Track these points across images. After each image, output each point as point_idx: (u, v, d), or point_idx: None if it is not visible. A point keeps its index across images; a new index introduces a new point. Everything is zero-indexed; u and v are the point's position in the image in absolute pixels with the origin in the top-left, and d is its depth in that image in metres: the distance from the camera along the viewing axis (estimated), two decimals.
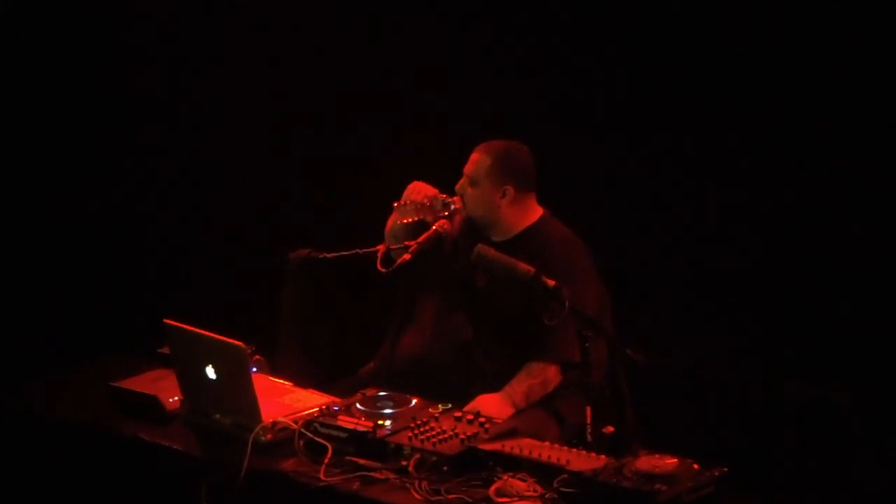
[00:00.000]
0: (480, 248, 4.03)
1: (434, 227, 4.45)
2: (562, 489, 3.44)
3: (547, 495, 3.45)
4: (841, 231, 4.93)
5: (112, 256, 5.88)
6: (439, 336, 4.57)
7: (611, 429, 3.72)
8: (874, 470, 4.82)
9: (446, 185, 4.49)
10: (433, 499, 3.48)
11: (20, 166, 5.76)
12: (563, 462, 3.53)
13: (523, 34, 5.38)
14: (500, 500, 3.45)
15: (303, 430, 3.76)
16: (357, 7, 5.67)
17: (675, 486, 3.31)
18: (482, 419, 3.80)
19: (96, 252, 5.85)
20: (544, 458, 3.56)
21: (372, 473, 3.61)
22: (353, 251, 4.51)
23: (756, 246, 5.11)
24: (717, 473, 3.40)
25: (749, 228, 5.11)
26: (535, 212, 4.46)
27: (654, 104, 5.19)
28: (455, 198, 4.46)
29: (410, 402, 3.92)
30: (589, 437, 3.74)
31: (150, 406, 4.08)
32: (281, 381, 4.16)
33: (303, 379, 4.18)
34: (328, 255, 4.52)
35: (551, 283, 3.80)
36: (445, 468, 3.59)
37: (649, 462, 3.38)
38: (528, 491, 3.47)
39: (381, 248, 4.48)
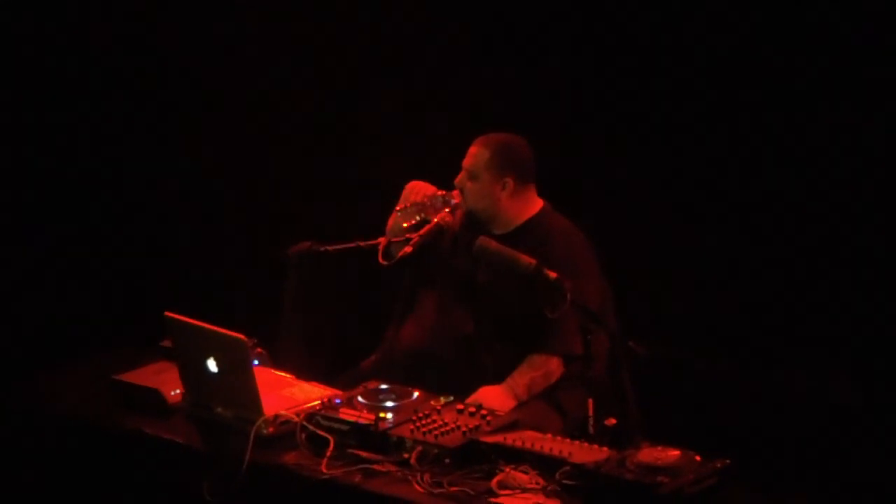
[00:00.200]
0: (482, 240, 4.03)
1: (435, 220, 4.45)
2: (564, 481, 3.44)
3: (549, 488, 3.44)
4: (843, 224, 4.93)
5: (114, 250, 5.87)
6: (440, 330, 4.56)
7: (613, 421, 3.71)
8: (876, 461, 4.82)
9: (444, 180, 4.48)
10: (435, 491, 3.48)
11: (21, 162, 5.75)
12: (565, 454, 3.53)
13: (521, 27, 5.38)
14: (503, 492, 3.45)
15: (305, 422, 3.76)
16: (357, 4, 5.67)
17: (678, 478, 3.31)
18: (484, 412, 3.80)
19: (98, 245, 5.84)
20: (546, 450, 3.56)
21: (374, 466, 3.61)
22: (355, 244, 4.51)
23: (758, 239, 5.10)
24: (719, 465, 3.39)
25: (752, 221, 5.11)
26: (536, 204, 4.45)
27: (657, 97, 5.18)
28: (454, 192, 4.46)
29: (412, 394, 3.91)
30: (591, 430, 3.75)
31: (151, 399, 4.08)
32: (283, 373, 4.16)
33: (304, 372, 4.17)
34: (329, 249, 4.51)
35: (553, 275, 3.79)
36: (447, 461, 3.59)
37: (651, 454, 3.38)
38: (531, 483, 3.47)
39: (382, 240, 4.49)
